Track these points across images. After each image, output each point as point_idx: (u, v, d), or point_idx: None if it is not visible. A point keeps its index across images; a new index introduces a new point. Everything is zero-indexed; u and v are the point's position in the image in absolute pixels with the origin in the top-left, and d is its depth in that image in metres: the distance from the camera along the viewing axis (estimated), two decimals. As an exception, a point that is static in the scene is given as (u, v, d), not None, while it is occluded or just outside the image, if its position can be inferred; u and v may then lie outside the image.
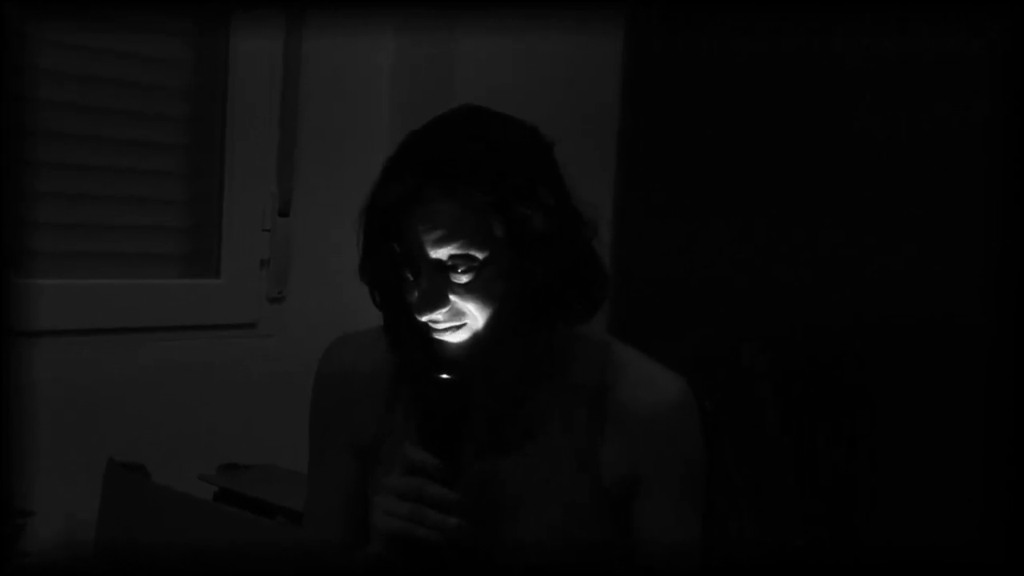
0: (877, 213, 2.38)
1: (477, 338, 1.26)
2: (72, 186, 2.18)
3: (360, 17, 2.43)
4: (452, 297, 1.25)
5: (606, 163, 2.78)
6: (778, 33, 2.50)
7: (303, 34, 2.41)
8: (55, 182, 2.14)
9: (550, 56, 2.60)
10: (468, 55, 2.48)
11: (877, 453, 2.33)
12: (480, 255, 1.24)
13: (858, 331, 2.37)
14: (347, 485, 1.40)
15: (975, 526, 2.20)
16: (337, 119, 2.49)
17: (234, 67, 2.34)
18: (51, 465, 2.05)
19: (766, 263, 2.52)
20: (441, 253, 1.24)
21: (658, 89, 2.71)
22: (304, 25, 2.41)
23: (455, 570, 1.31)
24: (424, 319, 1.26)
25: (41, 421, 2.03)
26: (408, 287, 1.27)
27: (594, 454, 1.32)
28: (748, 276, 2.54)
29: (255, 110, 2.37)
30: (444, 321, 1.26)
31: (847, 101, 2.41)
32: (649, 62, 2.72)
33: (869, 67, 2.38)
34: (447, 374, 1.24)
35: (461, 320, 1.26)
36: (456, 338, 1.27)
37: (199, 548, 1.89)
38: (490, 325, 1.26)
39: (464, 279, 1.24)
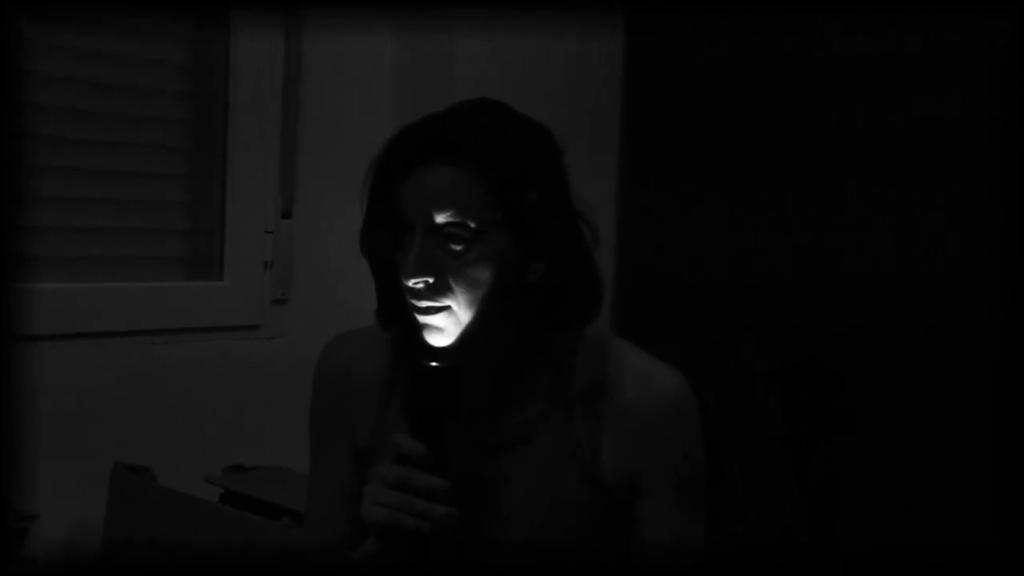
0: (878, 214, 2.36)
1: (460, 325, 1.25)
2: (75, 190, 2.18)
3: (358, 18, 2.44)
4: (441, 269, 1.23)
5: (609, 163, 2.77)
6: (780, 32, 2.50)
7: (303, 35, 2.41)
8: (58, 186, 2.15)
9: (551, 55, 2.60)
10: (468, 54, 2.48)
11: (875, 455, 2.33)
12: (474, 225, 1.23)
13: (863, 333, 2.35)
14: (346, 484, 1.38)
15: (982, 526, 2.19)
16: (339, 120, 2.49)
17: (235, 69, 2.34)
18: (57, 468, 2.05)
19: (770, 263, 2.51)
20: (437, 216, 1.23)
21: (659, 88, 2.71)
22: (303, 26, 2.41)
23: (448, 566, 1.30)
24: (410, 284, 1.24)
25: (47, 425, 2.04)
26: (402, 258, 1.26)
27: (594, 454, 1.31)
28: (752, 276, 2.54)
29: (256, 112, 2.37)
30: (427, 296, 1.24)
31: (851, 102, 2.40)
32: (650, 61, 2.71)
33: (871, 67, 2.36)
34: (436, 362, 1.23)
35: (444, 300, 1.24)
36: (438, 322, 1.25)
37: (205, 550, 1.89)
38: (475, 313, 1.25)
39: (456, 247, 1.23)
